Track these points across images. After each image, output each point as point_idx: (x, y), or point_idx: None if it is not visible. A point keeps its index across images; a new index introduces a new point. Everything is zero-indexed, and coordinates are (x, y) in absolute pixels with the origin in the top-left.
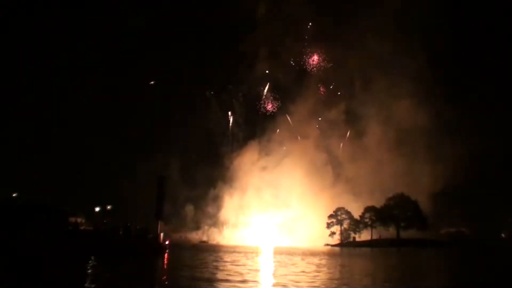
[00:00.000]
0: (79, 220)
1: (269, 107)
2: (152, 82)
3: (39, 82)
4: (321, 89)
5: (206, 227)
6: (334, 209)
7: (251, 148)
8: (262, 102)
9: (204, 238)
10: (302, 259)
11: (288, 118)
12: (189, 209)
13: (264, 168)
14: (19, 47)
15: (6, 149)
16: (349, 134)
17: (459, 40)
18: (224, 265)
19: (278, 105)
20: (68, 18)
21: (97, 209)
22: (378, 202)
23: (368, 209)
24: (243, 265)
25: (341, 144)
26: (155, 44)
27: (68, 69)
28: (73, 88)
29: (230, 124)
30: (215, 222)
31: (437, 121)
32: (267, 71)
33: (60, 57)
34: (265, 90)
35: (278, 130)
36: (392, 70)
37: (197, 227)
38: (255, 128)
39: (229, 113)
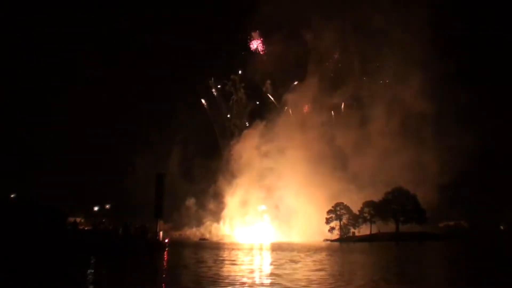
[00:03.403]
0: (78, 219)
1: (272, 95)
2: None
3: (35, 80)
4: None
5: (208, 223)
6: (336, 201)
7: (253, 132)
8: (265, 90)
9: (206, 235)
10: (306, 256)
11: (291, 107)
12: (190, 202)
13: (265, 154)
14: (15, 45)
15: (4, 149)
16: (353, 123)
17: (469, 21)
18: (227, 265)
19: (281, 92)
20: (64, 11)
21: (95, 208)
22: (382, 194)
23: (367, 204)
24: (247, 264)
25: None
26: (153, 34)
27: (64, 66)
28: (70, 85)
29: (232, 114)
30: (217, 219)
31: (446, 109)
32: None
33: (56, 54)
34: (267, 80)
35: (280, 119)
36: (399, 54)
37: (198, 224)
38: (257, 116)
39: (231, 103)
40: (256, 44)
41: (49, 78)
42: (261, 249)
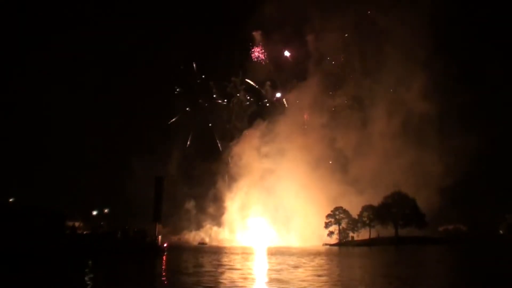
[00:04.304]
0: (76, 224)
1: (272, 96)
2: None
3: (34, 83)
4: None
5: (208, 226)
6: (336, 204)
7: (253, 133)
8: (265, 92)
9: (206, 239)
10: (308, 260)
11: (291, 108)
12: (190, 205)
13: (266, 155)
14: (14, 46)
15: (3, 153)
16: (354, 125)
17: (473, 21)
18: (226, 270)
19: (281, 94)
20: (61, 14)
21: (94, 212)
22: (382, 197)
23: (366, 208)
24: (247, 269)
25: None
26: (153, 35)
27: (63, 69)
28: (69, 87)
29: (233, 116)
30: (217, 222)
31: (448, 109)
32: (267, 61)
33: (55, 57)
34: (267, 82)
35: (281, 120)
36: (401, 54)
37: (197, 227)
38: (258, 118)
39: (231, 105)
40: (257, 53)
41: (48, 80)
42: (260, 253)
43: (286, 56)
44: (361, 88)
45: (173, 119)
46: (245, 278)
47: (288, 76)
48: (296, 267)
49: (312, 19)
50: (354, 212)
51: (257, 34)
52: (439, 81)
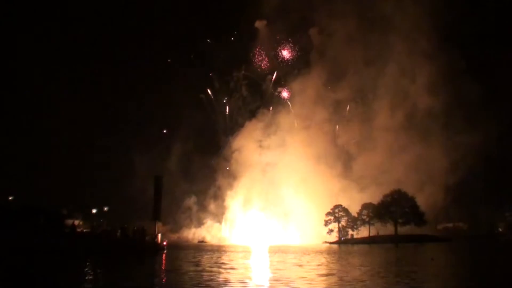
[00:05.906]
0: (76, 222)
1: (274, 90)
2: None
3: (32, 81)
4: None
5: (209, 223)
6: (337, 200)
7: (254, 127)
8: (266, 86)
9: (206, 237)
10: (311, 259)
11: (293, 101)
12: (191, 201)
13: (267, 148)
14: (15, 45)
15: (2, 151)
16: (357, 120)
17: (479, 13)
18: (227, 269)
19: (283, 88)
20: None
21: (94, 210)
22: (384, 193)
23: (365, 206)
24: (250, 268)
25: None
26: (154, 32)
27: (61, 67)
28: (67, 86)
29: (234, 112)
30: (218, 220)
31: (453, 105)
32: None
33: (53, 55)
34: (269, 76)
35: (283, 114)
36: (406, 46)
37: (198, 225)
38: (260, 112)
39: (232, 100)
40: (260, 47)
41: (47, 79)
42: (261, 251)
43: (288, 49)
44: (364, 81)
45: (172, 120)
46: (246, 277)
47: (291, 69)
48: (298, 265)
49: (315, 10)
50: (356, 208)
51: (261, 24)
52: (445, 75)
